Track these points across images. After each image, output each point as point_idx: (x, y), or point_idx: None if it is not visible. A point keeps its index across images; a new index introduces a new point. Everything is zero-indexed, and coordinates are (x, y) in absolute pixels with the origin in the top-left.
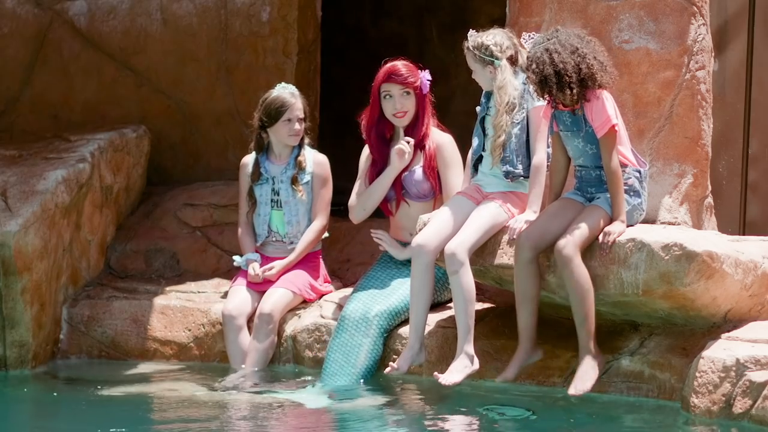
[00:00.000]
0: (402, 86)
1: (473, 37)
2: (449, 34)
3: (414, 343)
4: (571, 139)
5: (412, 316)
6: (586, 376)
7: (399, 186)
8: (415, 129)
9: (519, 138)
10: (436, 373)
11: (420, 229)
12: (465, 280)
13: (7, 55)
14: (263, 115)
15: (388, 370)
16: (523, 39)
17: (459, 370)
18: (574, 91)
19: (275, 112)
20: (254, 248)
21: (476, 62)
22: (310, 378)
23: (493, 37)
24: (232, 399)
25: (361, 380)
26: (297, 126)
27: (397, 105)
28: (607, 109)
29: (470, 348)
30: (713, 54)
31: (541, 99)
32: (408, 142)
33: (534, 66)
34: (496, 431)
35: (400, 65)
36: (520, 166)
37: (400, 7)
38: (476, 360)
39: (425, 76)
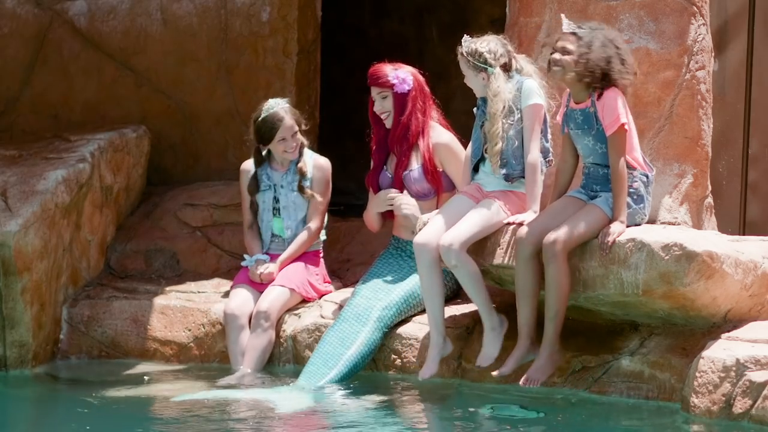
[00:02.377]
0: (377, 88)
1: (467, 43)
2: (449, 34)
3: (437, 339)
4: (581, 137)
5: (429, 313)
6: (542, 369)
7: (400, 185)
8: (396, 125)
9: (515, 140)
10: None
11: (420, 229)
12: (468, 268)
13: (7, 55)
14: (257, 136)
15: (420, 377)
16: (565, 22)
17: (493, 344)
18: (630, 78)
19: (267, 135)
20: (261, 251)
21: (469, 68)
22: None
23: (487, 44)
24: (231, 399)
25: (350, 367)
26: (292, 143)
27: (376, 107)
28: (618, 107)
29: (495, 318)
30: (713, 54)
31: (584, 80)
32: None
33: (597, 44)
34: (496, 431)
35: (379, 67)
36: (518, 167)
37: (400, 7)
38: (504, 320)
39: (398, 75)
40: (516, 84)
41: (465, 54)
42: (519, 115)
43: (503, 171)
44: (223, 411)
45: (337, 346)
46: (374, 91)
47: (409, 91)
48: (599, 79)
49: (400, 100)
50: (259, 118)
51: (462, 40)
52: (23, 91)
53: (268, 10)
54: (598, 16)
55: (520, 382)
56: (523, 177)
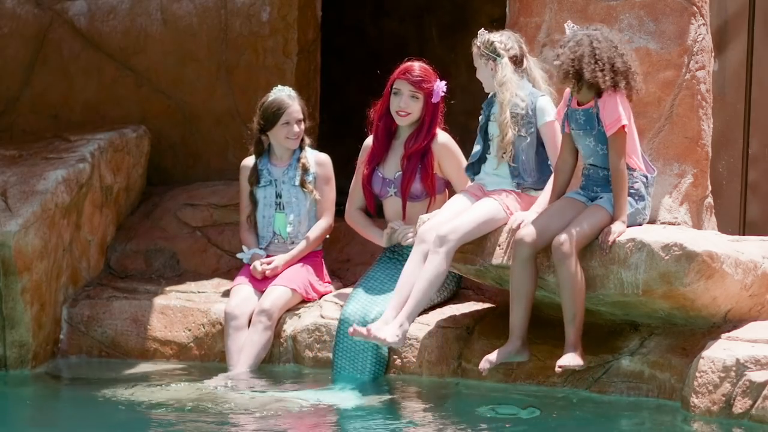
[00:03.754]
0: (412, 87)
1: (482, 35)
2: (449, 34)
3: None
4: (583, 138)
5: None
6: (573, 362)
7: (406, 192)
8: (418, 136)
9: (527, 152)
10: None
11: (419, 228)
12: (441, 267)
13: (7, 55)
14: (261, 119)
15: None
16: (567, 25)
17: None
18: (606, 77)
19: (272, 116)
20: (257, 246)
21: (479, 58)
22: (314, 375)
23: (500, 36)
24: (231, 398)
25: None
26: (296, 129)
27: (402, 104)
28: (619, 108)
29: (407, 324)
30: (713, 54)
31: (567, 80)
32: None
33: (571, 44)
34: (496, 431)
35: (417, 66)
36: (529, 179)
37: (400, 7)
38: (407, 330)
39: (440, 86)
40: (529, 96)
41: (478, 44)
42: (533, 130)
43: (515, 180)
44: (224, 410)
45: (351, 372)
46: (406, 88)
47: (439, 102)
48: (610, 73)
49: (432, 108)
50: (267, 100)
51: (478, 32)
52: (23, 91)
53: (268, 10)
54: (598, 16)
55: (558, 365)
56: (533, 188)
